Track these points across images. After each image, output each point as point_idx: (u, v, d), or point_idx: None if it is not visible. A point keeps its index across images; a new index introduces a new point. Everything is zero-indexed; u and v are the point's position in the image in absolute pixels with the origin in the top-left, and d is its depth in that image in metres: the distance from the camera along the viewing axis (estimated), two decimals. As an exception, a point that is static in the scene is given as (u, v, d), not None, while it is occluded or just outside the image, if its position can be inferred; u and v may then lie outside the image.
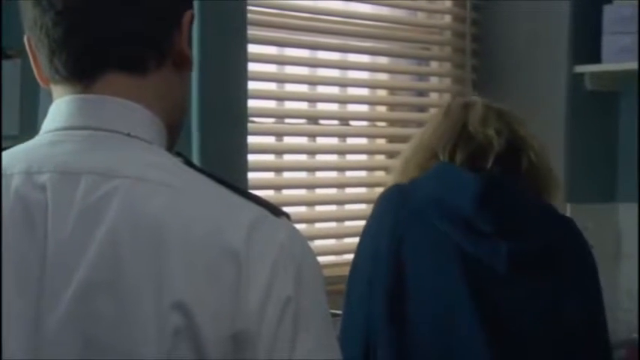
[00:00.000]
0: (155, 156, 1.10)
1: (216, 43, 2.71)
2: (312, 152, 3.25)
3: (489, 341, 1.86)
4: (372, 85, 3.48)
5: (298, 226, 1.13)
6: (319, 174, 3.26)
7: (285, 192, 3.20)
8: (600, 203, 3.54)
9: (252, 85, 2.87)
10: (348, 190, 3.35)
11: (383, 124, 3.53)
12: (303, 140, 3.26)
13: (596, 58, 3.38)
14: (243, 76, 2.81)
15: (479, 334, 1.86)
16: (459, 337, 1.88)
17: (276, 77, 3.18)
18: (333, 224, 3.34)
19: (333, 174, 3.32)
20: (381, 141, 3.50)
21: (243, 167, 2.80)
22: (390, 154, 3.51)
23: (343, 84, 3.35)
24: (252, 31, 2.88)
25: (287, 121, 3.21)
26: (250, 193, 1.10)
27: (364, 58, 3.44)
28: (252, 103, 2.87)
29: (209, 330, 0.99)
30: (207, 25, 2.67)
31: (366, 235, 2.03)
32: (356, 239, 3.26)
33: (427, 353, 1.90)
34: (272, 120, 3.16)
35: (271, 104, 3.14)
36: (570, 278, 1.94)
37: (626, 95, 3.56)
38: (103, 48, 1.10)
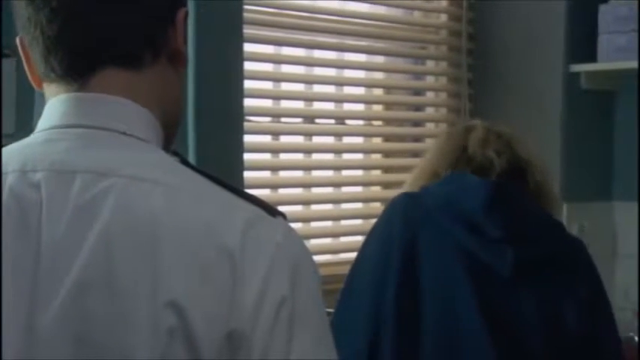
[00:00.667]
0: (151, 154, 1.09)
1: (212, 42, 2.71)
2: (308, 151, 3.25)
3: (494, 343, 1.86)
4: (368, 84, 3.48)
5: (294, 225, 1.13)
6: (315, 173, 3.26)
7: (281, 191, 3.20)
8: (596, 202, 3.55)
9: (248, 84, 2.87)
10: (344, 189, 3.35)
11: (379, 123, 3.53)
12: (299, 139, 3.26)
13: (592, 58, 3.39)
14: (239, 75, 2.81)
15: (484, 337, 1.86)
16: (464, 339, 1.88)
17: (273, 76, 3.18)
18: (329, 223, 3.34)
19: (329, 173, 3.32)
20: (377, 140, 3.50)
21: (239, 166, 2.80)
22: (386, 153, 3.51)
23: (339, 83, 3.35)
24: (248, 30, 2.88)
25: (283, 120, 3.21)
26: (246, 193, 1.09)
27: (360, 57, 3.44)
28: (248, 102, 2.87)
29: (203, 330, 0.99)
30: (203, 24, 2.67)
31: (373, 237, 2.03)
32: (352, 238, 3.29)
33: (433, 353, 1.90)
34: (268, 119, 3.16)
35: (267, 103, 3.14)
36: (573, 285, 1.94)
37: (622, 94, 3.56)
38: (98, 45, 1.10)
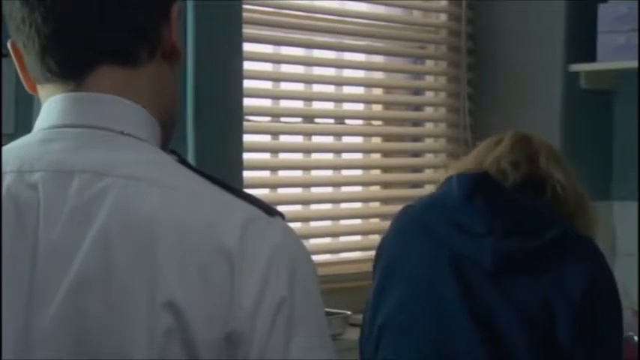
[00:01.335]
0: (148, 154, 1.09)
1: (211, 42, 2.71)
2: (307, 151, 3.26)
3: (483, 340, 1.86)
4: (367, 84, 3.48)
5: (293, 225, 1.13)
6: (315, 172, 3.26)
7: (281, 190, 3.20)
8: (595, 201, 3.54)
9: (247, 84, 2.87)
10: (344, 189, 3.36)
11: (378, 122, 3.53)
12: (298, 139, 3.26)
13: (592, 57, 3.39)
14: (238, 75, 2.81)
15: (472, 334, 1.87)
16: (455, 339, 1.88)
17: (272, 76, 3.18)
18: (328, 223, 3.35)
19: (329, 172, 3.32)
20: (377, 139, 3.50)
21: (239, 166, 2.80)
22: (386, 153, 3.51)
23: (339, 82, 3.35)
24: (247, 30, 2.88)
25: (282, 119, 3.21)
26: (244, 193, 1.09)
27: (360, 57, 3.44)
28: (247, 102, 2.87)
29: (201, 330, 0.98)
30: (203, 24, 2.68)
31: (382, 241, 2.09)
32: (351, 238, 3.30)
33: (424, 350, 1.91)
34: (267, 118, 3.16)
35: (267, 103, 3.14)
36: (566, 283, 1.92)
37: (621, 94, 3.56)
38: (94, 42, 1.09)
